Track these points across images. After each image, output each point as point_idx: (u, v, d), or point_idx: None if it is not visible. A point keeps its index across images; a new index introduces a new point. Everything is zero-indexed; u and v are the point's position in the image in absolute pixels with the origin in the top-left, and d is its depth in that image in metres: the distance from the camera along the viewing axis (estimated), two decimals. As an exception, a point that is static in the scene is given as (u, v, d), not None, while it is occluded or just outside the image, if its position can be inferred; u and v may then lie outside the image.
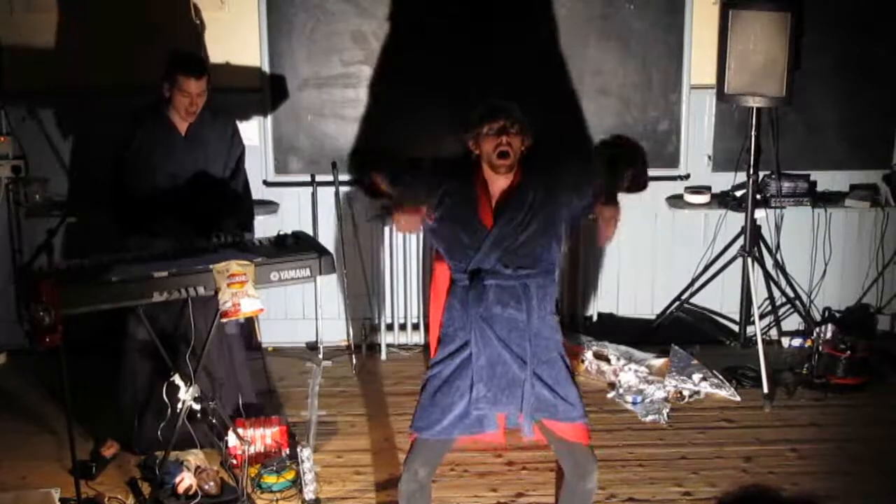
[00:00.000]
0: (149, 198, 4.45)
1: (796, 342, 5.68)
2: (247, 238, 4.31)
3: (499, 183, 3.45)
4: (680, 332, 5.64)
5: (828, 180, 5.76)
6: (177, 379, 3.98)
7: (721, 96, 5.27)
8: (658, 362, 5.32)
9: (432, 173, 3.52)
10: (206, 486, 4.19)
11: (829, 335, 5.33)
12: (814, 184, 5.72)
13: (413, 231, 3.54)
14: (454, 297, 3.47)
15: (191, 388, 3.98)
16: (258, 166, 5.47)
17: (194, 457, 4.30)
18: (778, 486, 4.35)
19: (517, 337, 3.40)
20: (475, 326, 3.40)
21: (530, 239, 3.39)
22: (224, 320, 3.92)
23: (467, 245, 3.41)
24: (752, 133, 5.34)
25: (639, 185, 3.36)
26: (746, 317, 5.66)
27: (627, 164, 3.44)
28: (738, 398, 5.11)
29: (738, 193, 5.58)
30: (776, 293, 5.75)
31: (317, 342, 5.63)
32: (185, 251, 4.02)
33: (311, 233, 4.98)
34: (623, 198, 5.55)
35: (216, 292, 3.84)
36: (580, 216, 3.50)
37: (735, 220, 5.58)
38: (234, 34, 5.41)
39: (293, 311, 5.75)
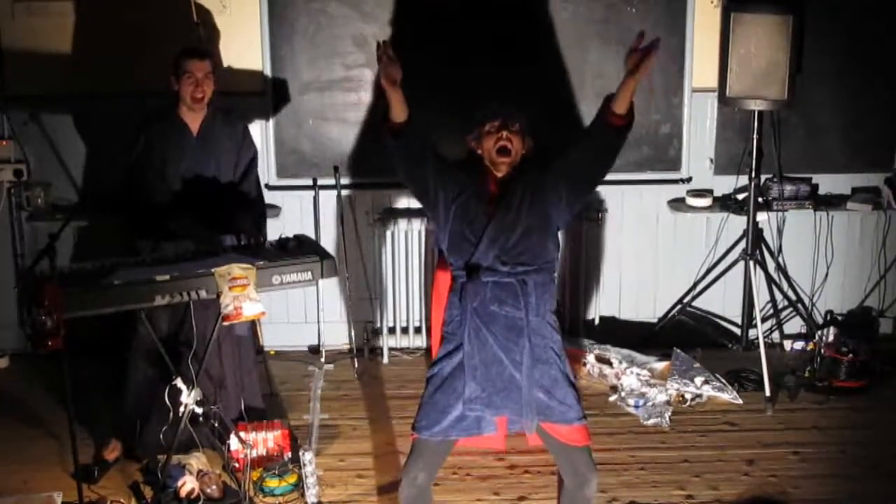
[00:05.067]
0: (163, 198, 4.45)
1: (798, 345, 5.68)
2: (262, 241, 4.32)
3: (495, 182, 3.47)
4: (682, 335, 5.63)
5: (829, 183, 5.75)
6: (179, 382, 3.99)
7: (723, 99, 5.27)
8: (660, 366, 5.32)
9: (453, 165, 3.54)
10: (209, 490, 4.19)
11: (831, 338, 5.33)
12: (816, 187, 5.71)
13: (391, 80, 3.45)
14: (455, 295, 3.48)
15: (193, 392, 3.98)
16: (260, 170, 5.44)
17: (196, 460, 4.30)
18: (780, 490, 4.35)
19: (515, 336, 3.40)
20: (469, 323, 3.40)
21: (525, 236, 3.40)
22: (226, 323, 3.92)
23: (469, 241, 3.42)
24: (754, 136, 5.34)
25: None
26: (748, 320, 5.66)
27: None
28: (740, 401, 5.11)
29: (740, 197, 5.58)
30: (778, 296, 5.75)
31: (319, 345, 5.63)
32: (193, 254, 4.03)
33: (312, 236, 4.98)
34: (624, 198, 5.68)
35: (218, 296, 3.85)
36: (574, 201, 3.47)
37: (737, 224, 5.57)
38: (236, 38, 5.41)
39: (295, 315, 5.74)
